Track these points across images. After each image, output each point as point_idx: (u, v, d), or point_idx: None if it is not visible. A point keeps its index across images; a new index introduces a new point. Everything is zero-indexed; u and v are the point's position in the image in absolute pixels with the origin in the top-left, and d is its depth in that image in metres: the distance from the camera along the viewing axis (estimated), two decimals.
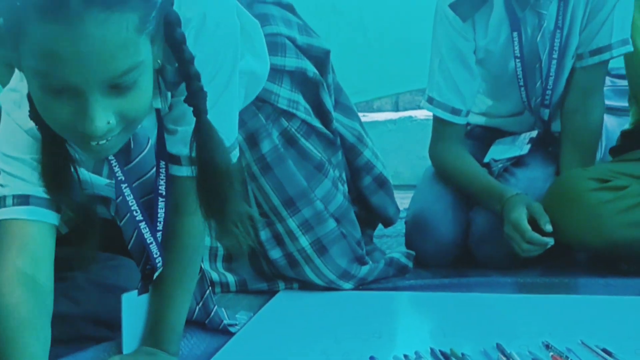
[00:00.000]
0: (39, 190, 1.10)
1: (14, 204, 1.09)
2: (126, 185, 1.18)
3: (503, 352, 1.23)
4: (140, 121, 1.04)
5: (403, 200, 2.27)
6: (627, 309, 1.50)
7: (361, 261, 1.72)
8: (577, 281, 1.71)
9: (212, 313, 1.42)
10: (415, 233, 1.95)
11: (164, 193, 1.20)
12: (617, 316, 1.45)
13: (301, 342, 1.37)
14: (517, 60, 1.90)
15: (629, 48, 1.85)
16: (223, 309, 1.46)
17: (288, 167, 1.61)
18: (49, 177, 1.10)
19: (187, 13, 1.09)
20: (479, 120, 2.18)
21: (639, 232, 1.69)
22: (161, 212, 1.20)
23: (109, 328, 1.33)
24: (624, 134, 2.02)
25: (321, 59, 1.71)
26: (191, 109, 1.08)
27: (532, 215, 1.73)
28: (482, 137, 2.14)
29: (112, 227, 1.22)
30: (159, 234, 1.20)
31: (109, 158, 1.15)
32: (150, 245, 1.19)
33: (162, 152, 1.20)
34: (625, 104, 2.12)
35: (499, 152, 2.03)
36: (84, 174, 1.18)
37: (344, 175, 1.75)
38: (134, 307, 1.24)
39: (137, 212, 1.18)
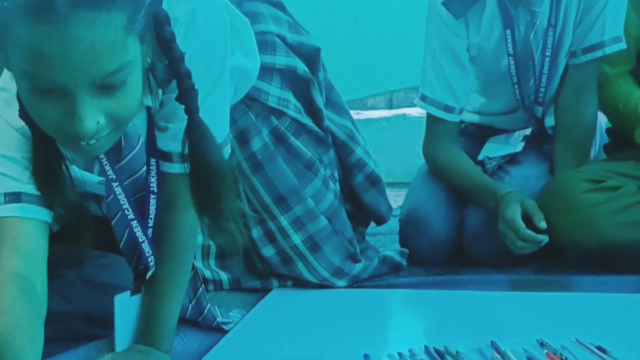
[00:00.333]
0: (30, 188, 1.09)
1: (5, 202, 1.08)
2: (117, 184, 1.17)
3: (497, 350, 1.22)
4: (130, 120, 1.03)
5: (397, 198, 2.27)
6: (621, 306, 1.50)
7: (354, 259, 1.72)
8: (571, 279, 1.71)
9: (205, 311, 1.42)
10: (409, 231, 1.95)
11: (155, 190, 1.20)
12: (611, 314, 1.45)
13: (295, 340, 1.37)
14: (510, 58, 1.90)
15: (622, 45, 1.85)
16: (216, 307, 1.45)
17: (279, 165, 1.61)
18: (41, 175, 1.09)
19: (176, 10, 1.09)
20: (473, 118, 2.18)
21: (632, 233, 1.69)
22: (153, 209, 1.20)
23: (101, 326, 1.32)
24: (609, 131, 2.03)
25: (312, 57, 1.70)
26: (182, 106, 1.07)
27: (526, 213, 1.73)
28: (476, 135, 2.14)
29: (104, 224, 1.21)
30: (150, 231, 1.20)
31: (100, 157, 1.14)
32: (143, 244, 1.19)
33: (152, 149, 1.19)
34: None
35: (492, 149, 2.03)
36: (76, 171, 1.17)
37: (335, 173, 1.75)
38: (126, 307, 1.23)
39: (128, 210, 1.18)
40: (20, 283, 1.05)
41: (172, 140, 1.18)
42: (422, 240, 1.91)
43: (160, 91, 1.15)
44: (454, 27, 1.88)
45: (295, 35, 1.67)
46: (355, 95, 3.45)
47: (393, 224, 2.10)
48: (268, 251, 1.67)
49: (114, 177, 1.17)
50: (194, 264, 1.33)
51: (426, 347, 1.25)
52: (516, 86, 1.95)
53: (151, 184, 1.19)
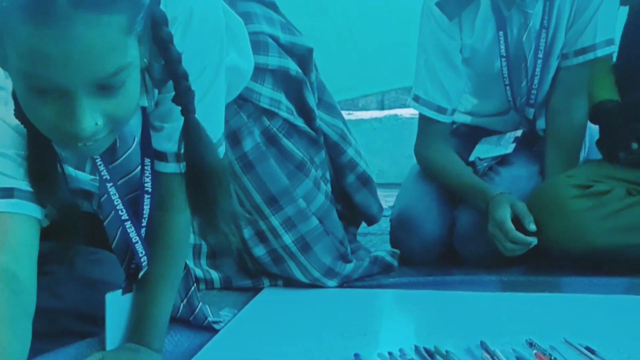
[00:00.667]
0: (23, 184, 1.09)
1: None
2: (111, 184, 1.17)
3: (487, 350, 1.23)
4: (127, 121, 1.03)
5: (388, 198, 2.27)
6: (610, 307, 1.50)
7: (345, 259, 1.72)
8: (560, 280, 1.72)
9: (197, 310, 1.42)
10: (400, 231, 1.95)
11: (149, 190, 1.20)
12: (600, 315, 1.45)
13: (285, 339, 1.37)
14: (503, 59, 1.91)
15: (613, 48, 1.87)
16: (207, 306, 1.45)
17: (270, 165, 1.61)
18: (35, 173, 1.09)
19: (174, 10, 1.09)
20: (465, 119, 2.19)
21: (620, 239, 1.70)
22: (146, 209, 1.20)
23: (92, 323, 1.31)
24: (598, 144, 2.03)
25: (304, 57, 1.70)
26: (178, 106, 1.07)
27: (516, 215, 1.74)
28: (468, 136, 2.15)
29: (95, 220, 1.21)
30: (143, 231, 1.20)
31: (94, 157, 1.14)
32: (136, 245, 1.19)
33: (147, 150, 1.19)
34: None
35: (484, 150, 2.04)
36: (69, 169, 1.17)
37: (327, 174, 1.75)
38: (117, 305, 1.23)
39: (122, 211, 1.17)
40: (7, 279, 1.04)
41: (168, 140, 1.18)
42: (413, 240, 1.91)
43: (156, 91, 1.15)
44: (448, 28, 1.89)
45: (288, 36, 1.67)
46: (346, 96, 3.45)
47: (384, 225, 2.11)
48: (259, 251, 1.67)
49: (108, 177, 1.16)
50: (186, 263, 1.33)
51: (416, 347, 1.26)
52: (508, 88, 1.96)
53: (145, 184, 1.19)
